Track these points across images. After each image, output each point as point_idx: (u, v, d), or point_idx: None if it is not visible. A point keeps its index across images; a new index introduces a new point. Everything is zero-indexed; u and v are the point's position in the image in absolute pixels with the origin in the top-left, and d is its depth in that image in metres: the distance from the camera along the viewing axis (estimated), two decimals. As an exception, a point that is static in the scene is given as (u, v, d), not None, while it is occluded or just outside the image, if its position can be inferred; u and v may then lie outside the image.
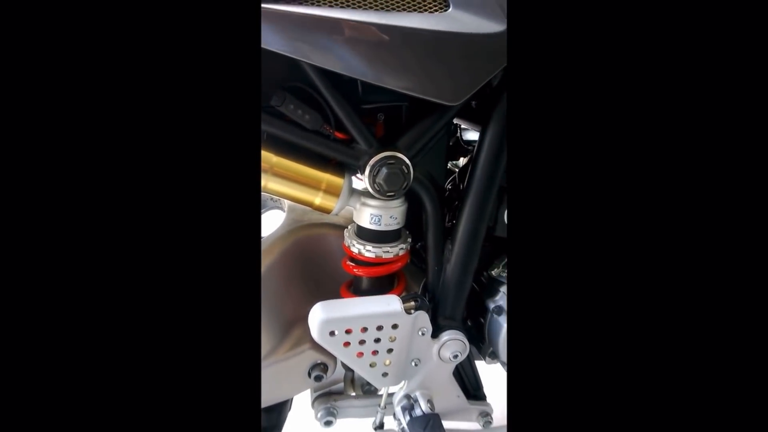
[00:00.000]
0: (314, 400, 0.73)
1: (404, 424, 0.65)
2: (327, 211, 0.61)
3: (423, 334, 0.61)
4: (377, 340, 0.59)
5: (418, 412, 0.65)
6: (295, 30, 0.48)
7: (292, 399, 0.81)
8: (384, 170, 0.56)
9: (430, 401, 0.66)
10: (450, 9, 0.52)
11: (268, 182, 0.57)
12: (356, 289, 0.68)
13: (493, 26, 0.52)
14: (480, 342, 0.74)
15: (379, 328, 0.58)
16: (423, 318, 0.60)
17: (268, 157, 0.57)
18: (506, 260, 0.70)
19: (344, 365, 0.71)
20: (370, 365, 0.61)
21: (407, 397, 0.67)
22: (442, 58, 0.52)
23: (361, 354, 0.59)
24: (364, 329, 0.57)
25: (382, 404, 0.71)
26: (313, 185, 0.59)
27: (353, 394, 0.75)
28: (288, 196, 0.59)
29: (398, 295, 0.60)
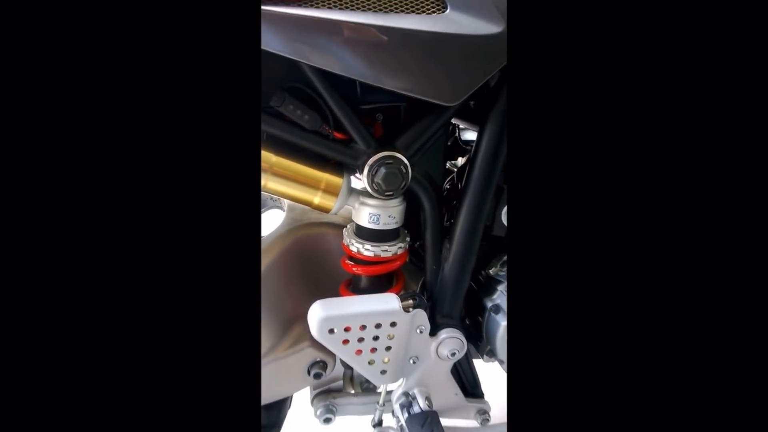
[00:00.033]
0: (313, 398, 0.74)
1: (402, 422, 0.66)
2: (326, 211, 0.62)
3: (421, 332, 0.62)
4: (376, 338, 0.59)
5: (416, 409, 0.66)
6: (294, 31, 0.49)
7: (291, 397, 0.82)
8: (382, 170, 0.57)
9: (428, 398, 0.67)
10: (447, 10, 0.53)
11: (267, 182, 0.58)
12: (355, 287, 0.69)
13: (491, 27, 0.53)
14: (478, 340, 0.75)
15: (378, 326, 0.58)
16: (421, 316, 0.61)
17: (267, 156, 0.57)
18: (504, 259, 0.70)
19: (343, 363, 0.72)
20: (369, 363, 0.61)
21: (405, 394, 0.68)
22: (440, 59, 0.53)
23: (359, 351, 0.60)
24: (363, 327, 0.58)
25: (381, 402, 0.71)
26: (312, 185, 0.59)
27: (352, 391, 0.75)
28: (287, 196, 0.60)
29: (397, 294, 0.61)
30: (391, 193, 0.58)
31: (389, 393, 0.71)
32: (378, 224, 0.62)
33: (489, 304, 0.70)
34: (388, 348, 0.61)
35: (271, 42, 0.48)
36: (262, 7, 0.46)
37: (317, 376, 0.67)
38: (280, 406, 0.80)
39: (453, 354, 0.65)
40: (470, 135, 0.91)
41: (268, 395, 0.68)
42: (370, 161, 0.57)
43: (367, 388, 0.76)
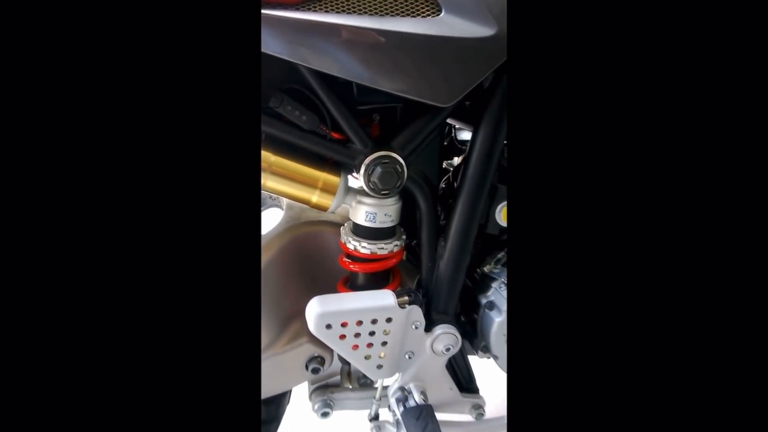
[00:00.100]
0: (311, 393, 0.75)
1: (398, 415, 0.67)
2: (324, 209, 0.63)
3: (416, 327, 0.64)
4: (372, 333, 0.61)
5: (411, 403, 0.67)
6: (293, 35, 0.50)
7: (290, 392, 0.83)
8: (378, 169, 0.58)
9: (423, 393, 0.68)
10: (442, 14, 0.54)
11: (266, 180, 0.59)
12: (352, 284, 0.70)
13: (484, 30, 0.54)
14: (473, 337, 0.76)
15: (374, 321, 0.60)
16: (416, 312, 0.62)
17: (266, 156, 0.59)
18: (498, 256, 0.72)
19: (341, 359, 0.74)
20: (365, 357, 0.63)
21: (401, 389, 0.69)
22: (435, 61, 0.54)
23: (356, 346, 0.61)
24: (359, 323, 0.59)
25: (378, 396, 0.73)
26: (310, 183, 0.61)
27: (350, 386, 0.77)
28: (286, 194, 0.61)
29: (393, 291, 0.62)
30: (387, 192, 0.60)
31: (385, 388, 0.72)
32: (374, 222, 0.63)
33: (483, 301, 0.71)
34: (384, 343, 0.62)
35: (270, 45, 0.49)
36: (262, 11, 0.48)
37: (315, 371, 0.69)
38: (279, 401, 0.81)
39: (448, 349, 0.66)
40: (466, 135, 0.93)
41: (267, 390, 0.70)
42: (367, 161, 0.58)
43: (364, 384, 0.78)
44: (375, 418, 0.76)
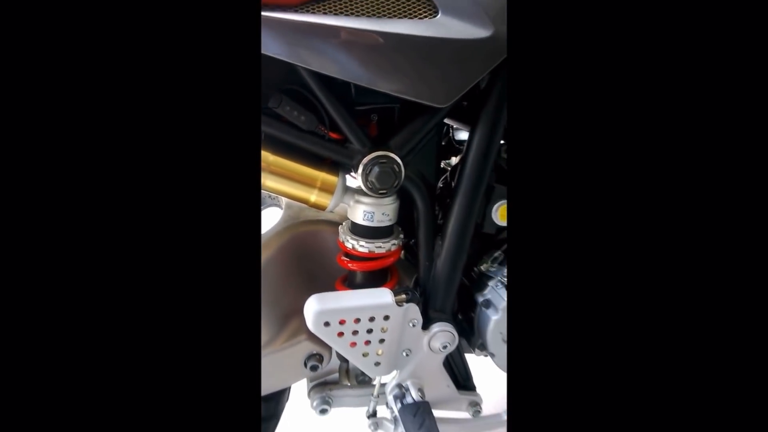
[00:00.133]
0: (310, 390, 0.76)
1: (396, 412, 0.68)
2: (322, 208, 0.64)
3: (414, 325, 0.64)
4: (369, 331, 0.62)
5: (409, 400, 0.68)
6: (293, 36, 0.51)
7: (289, 389, 0.84)
8: (376, 169, 0.59)
9: (420, 390, 0.69)
10: (439, 15, 0.55)
11: (265, 180, 0.60)
12: (350, 283, 0.71)
13: (480, 32, 0.55)
14: (470, 335, 0.77)
15: (372, 319, 0.60)
16: (413, 310, 0.63)
17: (265, 156, 0.60)
18: (494, 255, 0.72)
19: (339, 356, 0.74)
20: (363, 355, 0.64)
21: (399, 386, 0.70)
22: (432, 62, 0.55)
23: (354, 344, 0.62)
24: (357, 320, 0.60)
25: (375, 393, 0.73)
26: (308, 183, 0.61)
27: (348, 384, 0.77)
28: (285, 194, 0.62)
29: (390, 289, 0.63)
30: (384, 191, 0.61)
31: (383, 385, 0.73)
32: (372, 221, 0.64)
33: (480, 299, 0.72)
34: (382, 341, 0.63)
35: (269, 46, 0.50)
36: (262, 14, 0.49)
37: (313, 368, 0.70)
38: (279, 398, 0.82)
39: (445, 347, 0.67)
40: (464, 135, 0.93)
41: (266, 387, 0.70)
42: (365, 160, 0.59)
43: (363, 381, 0.78)
44: (373, 415, 0.77)
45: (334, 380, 0.78)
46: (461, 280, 0.75)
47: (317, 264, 0.75)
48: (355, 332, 0.61)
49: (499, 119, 0.62)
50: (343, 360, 0.77)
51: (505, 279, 0.69)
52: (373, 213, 0.63)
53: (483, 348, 0.74)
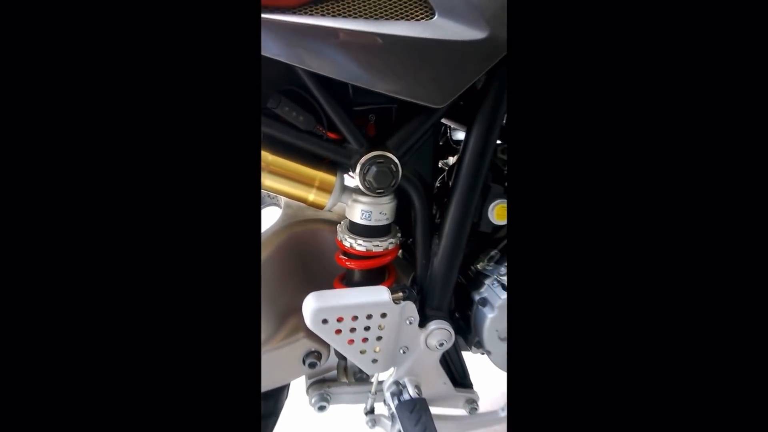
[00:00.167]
0: (309, 387, 0.77)
1: (393, 409, 0.69)
2: (320, 207, 0.64)
3: (410, 323, 0.65)
4: (367, 328, 0.62)
5: (406, 397, 0.69)
6: (291, 38, 0.52)
7: (288, 387, 0.85)
8: (374, 168, 0.60)
9: (417, 387, 0.70)
10: (435, 17, 0.56)
11: (264, 179, 0.61)
12: (349, 281, 0.71)
13: (476, 33, 0.56)
14: (467, 333, 0.78)
15: (369, 316, 0.61)
16: (410, 308, 0.64)
17: (264, 155, 0.60)
18: (491, 254, 0.73)
19: (337, 354, 0.75)
20: (361, 352, 0.64)
21: (396, 383, 0.71)
22: (428, 63, 0.55)
23: (351, 341, 0.63)
24: (355, 318, 0.61)
25: (373, 390, 0.74)
26: (306, 182, 0.62)
27: (346, 381, 0.78)
28: (283, 193, 0.63)
29: (388, 287, 0.64)
30: (382, 190, 0.61)
31: (381, 383, 0.74)
32: (370, 220, 0.65)
33: (476, 298, 0.73)
34: (379, 338, 0.64)
35: (268, 48, 0.51)
36: (262, 16, 0.49)
37: (312, 365, 0.70)
38: (278, 396, 0.83)
39: (441, 344, 0.68)
40: (461, 135, 0.94)
41: (265, 383, 0.71)
42: (362, 160, 0.60)
43: (360, 378, 0.79)
44: (371, 411, 0.78)
45: (333, 377, 0.79)
46: (458, 279, 0.76)
47: (316, 262, 0.76)
48: (352, 330, 0.62)
49: (495, 119, 0.63)
50: (342, 357, 0.78)
51: (502, 277, 0.70)
52: (371, 212, 0.64)
53: (479, 346, 0.75)
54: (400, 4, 0.55)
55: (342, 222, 0.70)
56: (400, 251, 0.81)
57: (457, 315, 0.79)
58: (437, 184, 0.79)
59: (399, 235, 0.70)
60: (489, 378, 0.91)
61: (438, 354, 0.70)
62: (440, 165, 0.90)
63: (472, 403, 0.78)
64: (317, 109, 0.59)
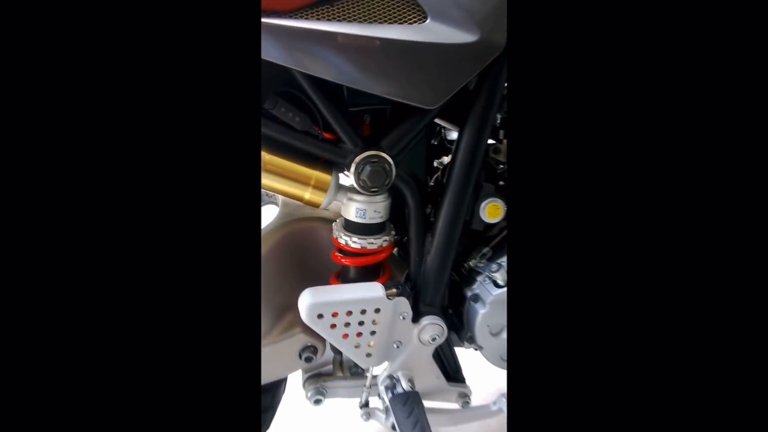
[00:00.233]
0: (305, 381, 0.79)
1: (387, 402, 0.71)
2: (316, 205, 0.66)
3: (404, 318, 0.67)
4: (361, 323, 0.64)
5: (399, 390, 0.70)
6: (288, 41, 0.53)
7: (286, 382, 0.87)
8: (368, 168, 0.61)
9: (411, 381, 0.72)
10: (428, 21, 0.57)
11: (262, 178, 0.62)
12: (344, 278, 0.73)
13: (467, 36, 0.57)
14: (460, 329, 0.80)
15: (363, 311, 0.63)
16: (404, 303, 0.66)
17: (262, 155, 0.62)
18: (483, 251, 0.75)
19: (333, 349, 0.77)
20: (355, 346, 0.66)
21: (390, 377, 0.73)
22: (420, 65, 0.57)
23: (346, 335, 0.65)
24: (349, 313, 0.63)
25: (368, 384, 0.76)
26: (302, 181, 0.64)
27: (341, 375, 0.80)
28: (280, 191, 0.64)
29: (382, 284, 0.66)
30: (376, 189, 0.63)
31: (375, 377, 0.76)
32: (364, 218, 0.66)
33: (469, 294, 0.74)
34: (373, 333, 0.66)
35: (267, 51, 0.52)
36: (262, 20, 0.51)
37: (308, 359, 0.72)
38: (275, 391, 0.85)
39: (434, 339, 0.70)
40: (455, 135, 0.95)
41: (262, 378, 0.73)
42: (357, 160, 0.62)
43: (356, 373, 0.81)
44: (365, 405, 0.80)
45: (329, 372, 0.80)
46: (452, 276, 0.78)
47: (312, 259, 0.77)
48: (347, 324, 0.64)
49: (486, 120, 0.64)
50: (337, 352, 0.80)
51: (493, 274, 0.71)
52: (365, 210, 0.66)
53: (472, 341, 0.77)
54: (394, 8, 0.57)
55: (338, 220, 0.72)
56: (396, 249, 0.82)
57: (450, 311, 0.80)
58: (432, 183, 0.81)
59: (393, 233, 0.71)
60: (481, 373, 0.93)
61: (431, 349, 0.72)
62: (435, 164, 0.91)
63: (464, 397, 0.80)
64: (313, 109, 0.61)
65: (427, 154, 0.71)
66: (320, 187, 0.64)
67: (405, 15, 0.57)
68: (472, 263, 0.75)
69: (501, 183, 0.78)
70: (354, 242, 0.67)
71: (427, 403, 0.75)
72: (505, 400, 0.75)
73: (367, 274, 0.71)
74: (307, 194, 0.64)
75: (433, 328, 0.69)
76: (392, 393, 0.70)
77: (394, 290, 0.65)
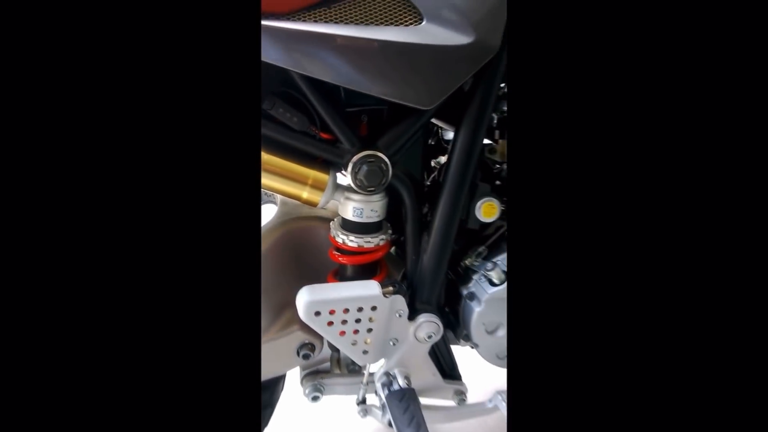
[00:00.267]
0: (303, 378, 0.79)
1: (383, 399, 0.71)
2: (314, 204, 0.67)
3: (400, 316, 0.68)
4: (358, 321, 0.65)
5: (396, 387, 0.71)
6: (286, 43, 0.54)
7: (284, 380, 0.87)
8: (365, 167, 0.62)
9: (407, 378, 0.73)
10: (423, 23, 0.58)
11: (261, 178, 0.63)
12: (342, 276, 0.74)
13: (462, 38, 0.58)
14: (456, 327, 0.80)
15: (360, 309, 0.64)
16: (400, 301, 0.67)
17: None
18: (478, 250, 0.76)
19: (330, 346, 0.78)
20: (352, 343, 0.67)
21: (386, 374, 0.74)
22: (416, 67, 0.58)
23: (343, 333, 0.65)
24: (346, 310, 0.63)
25: (365, 381, 0.77)
26: (300, 180, 0.65)
27: (339, 372, 0.81)
28: (278, 191, 0.65)
29: (379, 282, 0.67)
30: (373, 188, 0.64)
31: (372, 374, 0.77)
32: (361, 217, 0.67)
33: (464, 292, 0.75)
34: (370, 330, 0.67)
35: (268, 53, 0.53)
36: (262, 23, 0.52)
37: (306, 357, 0.73)
38: (273, 388, 0.85)
39: (430, 336, 0.70)
40: (452, 135, 0.96)
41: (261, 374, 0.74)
42: (354, 159, 0.62)
43: (353, 370, 0.82)
44: (362, 401, 0.81)
45: (326, 369, 0.81)
46: (449, 275, 0.79)
47: (310, 258, 0.78)
48: (344, 322, 0.64)
49: (481, 120, 0.65)
50: (335, 349, 0.81)
51: (489, 272, 0.72)
52: (362, 209, 0.67)
53: (468, 339, 0.78)
54: (390, 10, 0.58)
55: (335, 219, 0.73)
56: (393, 248, 0.83)
57: (447, 310, 0.81)
58: (428, 182, 0.82)
59: (390, 231, 0.72)
60: (478, 371, 0.94)
61: (427, 346, 0.73)
62: (433, 164, 0.92)
63: (460, 395, 0.81)
64: (310, 110, 0.62)
65: (424, 153, 0.72)
66: (318, 187, 0.65)
67: (401, 17, 0.58)
68: (468, 262, 0.76)
69: (497, 183, 0.79)
70: (351, 241, 0.68)
71: (424, 400, 0.76)
72: (500, 398, 0.76)
73: (364, 272, 0.72)
74: (305, 193, 0.65)
75: (429, 325, 0.70)
76: (389, 390, 0.71)
77: (391, 288, 0.66)
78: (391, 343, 0.71)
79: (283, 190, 0.65)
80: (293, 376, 0.84)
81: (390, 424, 0.70)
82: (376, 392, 0.76)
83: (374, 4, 0.57)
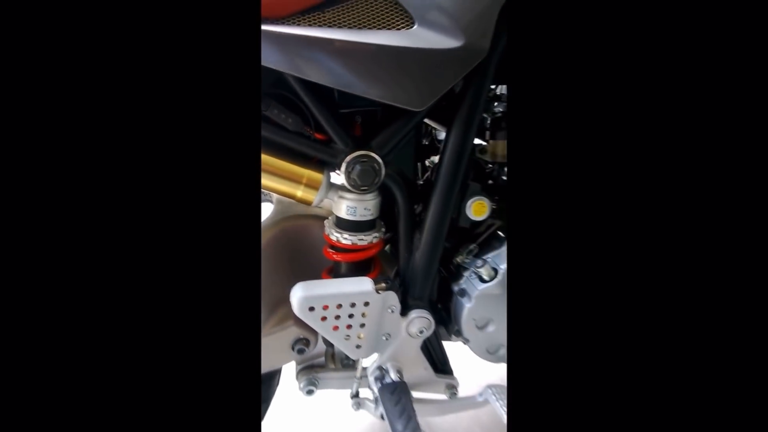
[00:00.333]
0: (298, 372, 0.81)
1: (376, 392, 0.73)
2: (308, 203, 0.69)
3: (392, 311, 0.70)
4: (351, 316, 0.67)
5: (388, 381, 0.73)
6: (284, 48, 0.55)
7: (280, 375, 0.89)
8: (358, 167, 0.64)
9: (399, 372, 0.74)
10: (415, 27, 0.60)
11: None
12: (336, 273, 0.76)
13: (452, 42, 0.60)
14: (448, 323, 0.82)
15: (353, 305, 0.66)
16: (392, 297, 0.68)
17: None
18: (470, 248, 0.77)
19: (325, 341, 0.80)
20: (345, 338, 0.69)
21: (379, 368, 0.75)
22: (408, 69, 0.59)
23: (336, 328, 0.67)
24: (339, 306, 0.65)
25: (358, 375, 0.79)
26: (295, 180, 0.66)
27: (333, 367, 0.83)
28: (273, 189, 0.67)
29: (372, 278, 0.68)
30: (366, 187, 0.66)
31: (365, 368, 0.79)
32: (355, 216, 0.69)
33: (456, 289, 0.77)
34: (363, 325, 0.68)
35: (265, 57, 0.54)
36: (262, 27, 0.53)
37: (300, 351, 0.75)
38: (269, 383, 0.87)
39: (421, 332, 0.72)
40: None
41: (256, 369, 0.76)
42: (347, 159, 0.64)
43: (347, 364, 0.84)
44: (356, 395, 0.83)
45: (321, 363, 0.83)
46: (441, 272, 0.81)
47: (305, 255, 0.80)
48: (337, 317, 0.66)
49: (472, 121, 0.67)
50: (329, 344, 0.82)
51: (479, 269, 0.74)
52: (356, 208, 0.69)
53: (459, 334, 0.80)
54: (382, 15, 0.59)
55: (329, 217, 0.74)
56: (388, 246, 0.85)
57: (439, 306, 0.83)
58: (421, 182, 0.83)
59: (383, 229, 0.74)
60: (469, 365, 0.96)
61: (419, 341, 0.75)
62: (427, 164, 0.94)
63: (451, 389, 0.83)
64: (305, 111, 0.63)
65: (416, 153, 0.74)
66: (312, 186, 0.67)
67: (393, 21, 0.60)
68: (459, 259, 0.78)
69: (489, 182, 0.81)
70: (345, 239, 0.70)
71: (416, 394, 0.78)
72: (490, 392, 0.78)
73: (357, 269, 0.74)
74: (299, 192, 0.67)
75: (420, 321, 0.72)
76: (381, 383, 0.73)
77: (383, 284, 0.68)
78: (384, 338, 0.72)
79: (278, 188, 0.67)
80: (288, 371, 0.85)
81: (382, 417, 0.72)
82: (369, 386, 0.78)
83: (367, 9, 0.58)
